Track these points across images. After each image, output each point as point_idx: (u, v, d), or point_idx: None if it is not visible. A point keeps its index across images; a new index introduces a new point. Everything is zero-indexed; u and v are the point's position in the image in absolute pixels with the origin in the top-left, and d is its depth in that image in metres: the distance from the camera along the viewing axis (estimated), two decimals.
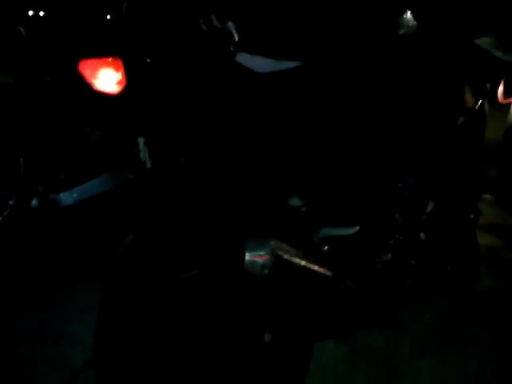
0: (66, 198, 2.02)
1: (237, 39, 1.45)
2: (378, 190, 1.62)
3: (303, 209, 1.50)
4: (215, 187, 1.48)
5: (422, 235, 1.72)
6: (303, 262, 1.46)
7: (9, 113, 2.06)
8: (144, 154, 1.50)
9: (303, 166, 1.51)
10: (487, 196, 1.86)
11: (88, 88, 1.32)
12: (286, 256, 1.43)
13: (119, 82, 1.31)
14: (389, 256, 1.63)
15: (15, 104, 2.07)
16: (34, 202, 2.04)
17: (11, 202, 2.11)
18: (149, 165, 1.51)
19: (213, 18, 1.43)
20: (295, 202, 1.51)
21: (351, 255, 1.58)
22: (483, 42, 1.80)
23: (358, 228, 1.56)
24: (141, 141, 1.49)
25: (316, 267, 1.49)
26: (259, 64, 1.42)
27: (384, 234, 1.64)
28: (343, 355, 1.94)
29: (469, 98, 1.78)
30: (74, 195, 2.03)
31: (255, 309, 1.48)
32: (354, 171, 1.58)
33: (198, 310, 1.44)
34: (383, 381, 1.87)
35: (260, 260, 1.39)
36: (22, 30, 1.90)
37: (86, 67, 1.30)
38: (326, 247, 1.53)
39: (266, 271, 1.39)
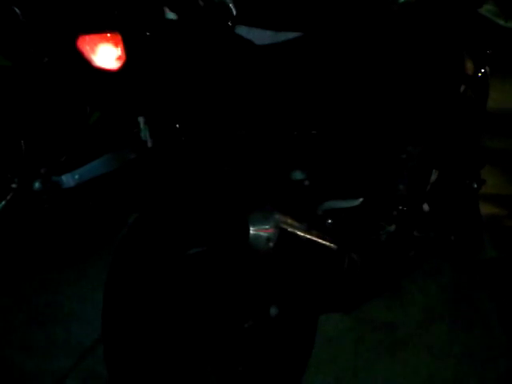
0: (68, 179, 2.01)
1: (235, 12, 1.43)
2: (381, 161, 1.62)
3: (306, 182, 1.50)
4: (218, 163, 1.47)
5: (426, 206, 1.73)
6: (307, 235, 1.47)
7: (8, 96, 2.05)
8: (145, 133, 1.48)
9: (305, 139, 1.51)
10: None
11: (87, 64, 1.31)
12: (290, 229, 1.43)
13: (119, 58, 1.29)
14: (392, 227, 1.64)
15: (14, 86, 2.05)
16: (37, 184, 2.03)
17: (14, 186, 2.10)
18: (150, 144, 1.49)
19: None
20: (298, 175, 1.50)
21: (355, 227, 1.58)
22: (484, 9, 1.78)
23: (361, 200, 1.56)
24: (141, 120, 1.48)
25: (320, 240, 1.49)
26: (259, 36, 1.41)
27: (388, 206, 1.64)
28: (348, 327, 1.95)
29: (470, 66, 1.77)
30: (76, 177, 2.02)
31: (261, 283, 1.48)
32: (356, 143, 1.57)
33: (204, 286, 1.44)
34: (388, 353, 1.88)
35: (265, 233, 1.39)
36: (18, 11, 1.88)
37: (84, 43, 1.29)
38: (329, 220, 1.53)
39: (270, 244, 1.39)
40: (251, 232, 1.38)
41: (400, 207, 1.65)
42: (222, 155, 1.48)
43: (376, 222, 1.62)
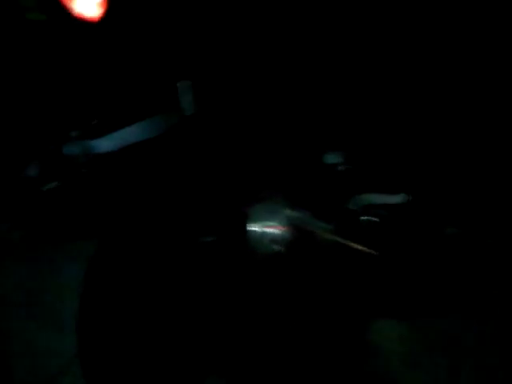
0: (102, 144, 1.91)
1: None
2: (440, 144, 1.27)
3: (340, 167, 1.21)
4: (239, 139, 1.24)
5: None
6: (333, 237, 1.17)
7: (42, 53, 1.94)
8: (187, 99, 1.38)
9: (342, 114, 1.22)
10: None
11: (68, 14, 1.12)
12: (307, 228, 1.14)
13: (100, 5, 1.09)
14: (453, 230, 1.30)
15: (48, 42, 1.94)
16: (68, 148, 1.95)
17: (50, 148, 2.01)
18: (191, 111, 1.38)
19: None
20: (331, 158, 1.22)
21: (400, 229, 1.26)
22: None
23: (409, 195, 1.24)
24: (183, 85, 1.36)
25: (351, 244, 1.19)
26: None
27: (445, 203, 1.30)
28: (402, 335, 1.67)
29: None
30: (111, 142, 1.90)
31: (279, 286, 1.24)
32: (410, 122, 1.24)
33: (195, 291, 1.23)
34: (444, 356, 1.59)
35: (270, 231, 1.12)
36: None
37: None
38: (365, 217, 1.22)
39: (276, 247, 1.11)
40: (253, 229, 1.12)
41: (465, 206, 1.30)
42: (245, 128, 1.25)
43: (430, 222, 1.29)
